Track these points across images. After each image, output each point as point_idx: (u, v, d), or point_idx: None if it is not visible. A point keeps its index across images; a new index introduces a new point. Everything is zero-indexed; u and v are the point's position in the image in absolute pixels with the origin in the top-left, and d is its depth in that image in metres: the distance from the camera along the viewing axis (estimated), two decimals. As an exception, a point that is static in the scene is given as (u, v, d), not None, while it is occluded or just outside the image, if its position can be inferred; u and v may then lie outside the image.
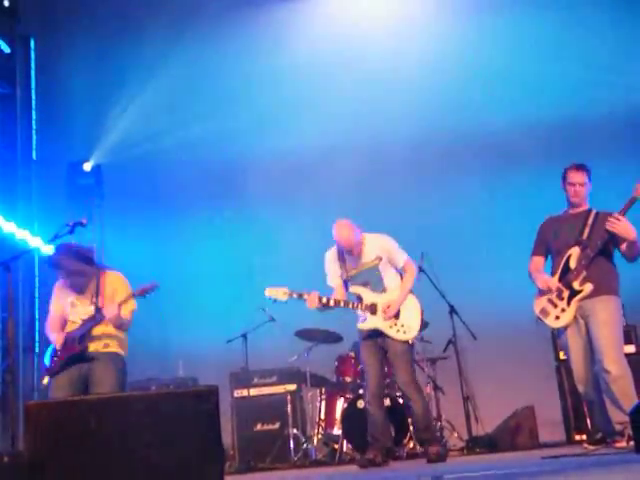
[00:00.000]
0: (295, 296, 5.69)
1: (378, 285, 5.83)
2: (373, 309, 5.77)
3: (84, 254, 5.30)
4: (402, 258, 5.86)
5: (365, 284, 5.83)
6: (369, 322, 5.76)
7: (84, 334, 5.14)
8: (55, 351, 5.20)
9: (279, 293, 5.69)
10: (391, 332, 5.75)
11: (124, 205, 9.12)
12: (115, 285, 5.30)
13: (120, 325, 5.23)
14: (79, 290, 5.28)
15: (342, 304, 5.75)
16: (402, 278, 5.92)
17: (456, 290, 7.30)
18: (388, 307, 5.73)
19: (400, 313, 5.79)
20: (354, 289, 5.84)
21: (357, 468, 5.76)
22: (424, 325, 6.96)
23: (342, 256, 5.88)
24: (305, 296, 5.69)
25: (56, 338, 5.20)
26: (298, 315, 6.66)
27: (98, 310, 5.17)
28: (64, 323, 5.31)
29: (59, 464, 3.25)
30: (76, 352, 5.12)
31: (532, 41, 8.95)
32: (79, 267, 5.22)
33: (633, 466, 3.25)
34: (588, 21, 8.83)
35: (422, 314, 5.91)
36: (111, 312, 5.10)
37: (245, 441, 7.41)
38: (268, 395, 7.61)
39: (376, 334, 5.80)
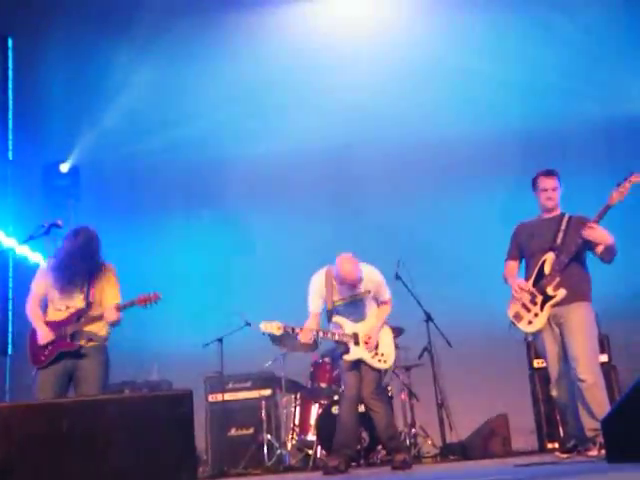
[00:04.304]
0: (289, 331, 5.75)
1: (359, 315, 5.96)
2: (356, 339, 5.88)
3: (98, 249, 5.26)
4: (387, 294, 6.02)
5: (348, 314, 5.93)
6: (353, 353, 5.88)
7: (77, 331, 5.06)
8: (39, 343, 5.06)
9: (273, 328, 5.75)
10: (373, 362, 5.90)
11: (101, 207, 9.05)
12: (106, 280, 5.24)
13: (113, 324, 5.18)
14: (71, 278, 5.15)
15: (329, 335, 5.87)
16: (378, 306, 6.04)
17: (432, 298, 7.32)
18: (369, 338, 5.88)
19: (379, 343, 5.94)
20: (336, 319, 5.93)
21: (322, 475, 5.77)
22: (400, 332, 7.04)
23: (331, 284, 5.89)
24: (298, 330, 5.78)
25: (45, 333, 5.06)
26: (274, 319, 6.65)
27: (89, 304, 5.12)
28: (44, 306, 5.21)
29: (30, 467, 3.23)
30: (70, 349, 5.04)
31: (509, 51, 9.01)
32: (92, 256, 5.18)
33: (604, 475, 3.27)
34: (565, 32, 8.91)
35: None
36: (111, 316, 5.07)
37: (219, 446, 7.38)
38: (243, 400, 7.60)
39: (357, 362, 5.92)
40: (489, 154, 8.75)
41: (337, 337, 5.89)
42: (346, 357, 5.89)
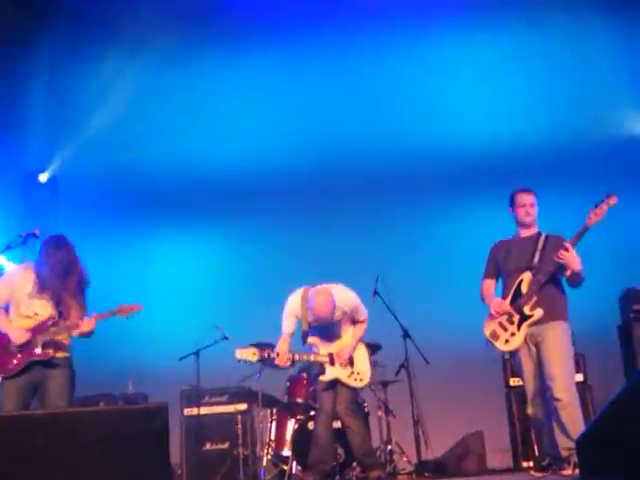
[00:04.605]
0: (265, 356, 5.74)
1: (334, 335, 6.00)
2: (331, 359, 5.93)
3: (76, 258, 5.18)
4: (363, 315, 6.04)
5: (323, 335, 5.96)
6: (329, 373, 5.92)
7: (48, 340, 4.96)
8: (17, 343, 4.91)
9: (249, 354, 5.76)
10: (349, 381, 5.95)
11: (79, 218, 8.99)
12: (74, 290, 5.14)
13: (87, 335, 5.08)
14: (43, 286, 5.05)
15: (305, 357, 5.92)
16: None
17: (410, 314, 7.34)
18: (341, 351, 5.92)
19: (354, 361, 5.97)
20: (311, 340, 5.96)
21: None
22: (377, 348, 7.05)
23: (306, 305, 5.89)
24: (274, 356, 5.80)
25: (20, 333, 4.90)
26: (252, 334, 6.64)
27: (60, 313, 5.02)
28: (6, 309, 5.05)
29: (3, 480, 3.20)
30: (42, 358, 4.92)
31: (486, 69, 9.09)
32: (71, 269, 5.09)
33: (577, 493, 3.30)
34: (542, 53, 9.02)
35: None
36: (88, 326, 4.99)
37: (194, 460, 7.33)
38: (218, 414, 7.55)
39: (334, 382, 5.94)
40: (467, 172, 8.81)
41: (312, 358, 5.90)
42: (322, 378, 5.91)
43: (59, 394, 4.94)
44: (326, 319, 5.80)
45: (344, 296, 5.89)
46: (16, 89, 9.43)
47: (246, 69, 9.36)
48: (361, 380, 5.95)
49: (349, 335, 5.99)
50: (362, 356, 6.05)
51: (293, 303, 5.91)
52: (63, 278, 5.07)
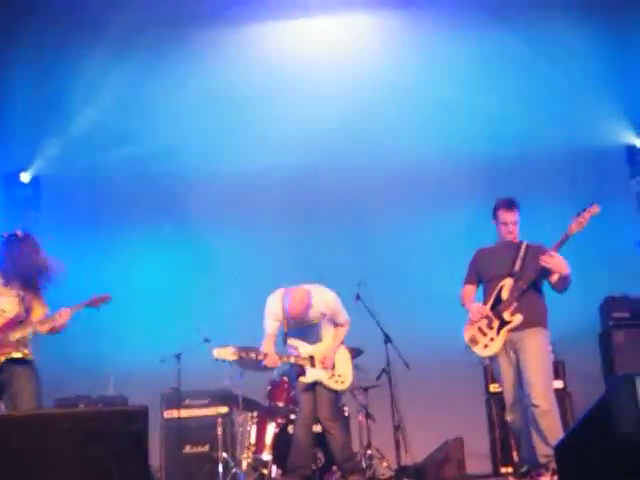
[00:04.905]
0: (244, 355, 5.70)
1: (315, 337, 6.00)
2: (312, 361, 5.91)
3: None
4: (343, 318, 6.06)
5: (303, 337, 5.94)
6: (310, 375, 5.92)
7: (22, 338, 4.91)
8: None
9: (227, 353, 5.72)
10: (330, 383, 5.93)
11: (61, 218, 8.95)
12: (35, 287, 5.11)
13: (59, 330, 5.05)
14: (6, 283, 5.02)
15: (285, 359, 5.90)
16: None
17: (391, 319, 7.34)
18: (325, 358, 5.90)
19: (335, 364, 5.97)
20: (292, 341, 5.94)
21: None
22: (358, 353, 7.05)
23: (284, 305, 5.88)
24: (262, 357, 5.76)
25: None
26: (234, 337, 6.62)
27: (27, 310, 4.99)
28: None
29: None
30: (17, 356, 4.87)
31: (475, 76, 9.13)
32: (35, 263, 5.05)
33: (555, 500, 3.31)
34: (525, 62, 9.07)
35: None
36: (62, 319, 4.96)
37: (173, 463, 7.30)
38: (199, 417, 7.53)
39: (314, 384, 5.91)
40: (454, 178, 8.84)
41: (293, 360, 5.89)
42: (302, 379, 5.90)
43: (31, 394, 4.87)
44: (301, 319, 5.79)
45: (323, 297, 5.88)
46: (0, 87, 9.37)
47: (235, 67, 9.33)
48: (342, 382, 5.94)
49: (330, 338, 5.98)
50: (343, 358, 6.04)
51: (273, 304, 5.92)
52: (25, 274, 5.04)
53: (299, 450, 5.84)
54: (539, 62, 9.04)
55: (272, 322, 5.89)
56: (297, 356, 5.90)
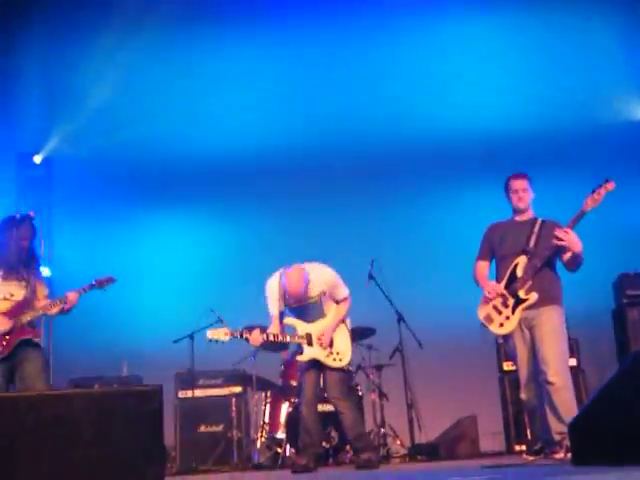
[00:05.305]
0: (237, 335, 5.70)
1: (315, 315, 5.93)
2: (309, 339, 5.87)
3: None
4: (343, 293, 5.97)
5: (303, 316, 5.92)
6: (307, 353, 5.87)
7: (30, 321, 4.98)
8: None
9: (220, 334, 5.70)
10: (328, 361, 5.87)
11: (74, 199, 8.98)
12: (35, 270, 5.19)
13: (68, 311, 5.10)
14: (10, 267, 5.04)
15: (280, 337, 5.83)
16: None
17: (404, 298, 7.33)
18: (322, 335, 5.86)
19: (333, 341, 5.91)
20: (289, 320, 5.93)
21: (291, 473, 5.76)
22: (371, 332, 7.05)
23: (282, 285, 5.88)
24: (246, 335, 5.73)
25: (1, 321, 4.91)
26: (247, 317, 6.64)
27: (34, 293, 5.04)
28: None
29: (-5, 461, 3.19)
30: (32, 337, 4.95)
31: (480, 53, 9.07)
32: (34, 246, 5.12)
33: (569, 477, 3.31)
34: (539, 38, 8.99)
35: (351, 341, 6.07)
36: (72, 302, 5.02)
37: (188, 442, 7.35)
38: (213, 397, 7.58)
39: (315, 362, 5.90)
40: (464, 157, 8.80)
41: (288, 339, 5.88)
42: (299, 357, 5.90)
43: (40, 375, 4.93)
44: (300, 297, 5.77)
45: (320, 273, 5.85)
46: (12, 71, 9.38)
47: (244, 51, 9.31)
48: (340, 360, 5.89)
49: (330, 316, 5.95)
50: (342, 336, 5.98)
51: (272, 286, 5.91)
52: (26, 258, 5.09)
53: (307, 431, 5.84)
54: (551, 36, 8.96)
55: (273, 302, 5.89)
56: (293, 335, 5.89)
